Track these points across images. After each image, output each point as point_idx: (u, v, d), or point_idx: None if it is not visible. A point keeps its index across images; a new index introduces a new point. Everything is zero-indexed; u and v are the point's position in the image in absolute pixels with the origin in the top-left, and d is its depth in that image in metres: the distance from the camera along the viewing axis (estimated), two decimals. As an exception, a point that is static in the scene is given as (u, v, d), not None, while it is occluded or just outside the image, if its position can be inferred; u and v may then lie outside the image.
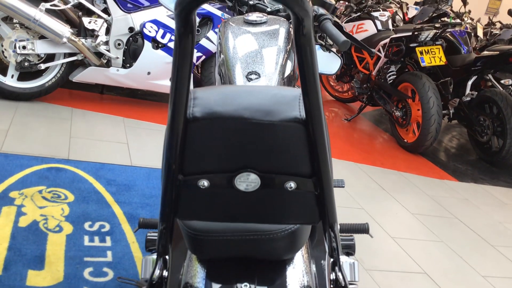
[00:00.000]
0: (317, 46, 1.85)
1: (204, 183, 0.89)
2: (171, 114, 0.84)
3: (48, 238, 2.18)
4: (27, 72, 3.62)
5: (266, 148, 0.86)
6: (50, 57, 3.69)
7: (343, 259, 1.08)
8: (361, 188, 3.48)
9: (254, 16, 1.76)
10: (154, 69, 3.91)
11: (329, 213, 0.94)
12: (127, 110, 3.99)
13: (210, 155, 0.87)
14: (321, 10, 1.76)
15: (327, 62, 1.85)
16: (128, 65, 3.87)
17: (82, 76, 3.77)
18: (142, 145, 3.39)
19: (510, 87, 4.57)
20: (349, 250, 1.09)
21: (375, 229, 2.93)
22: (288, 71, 1.74)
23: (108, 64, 3.83)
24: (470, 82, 4.63)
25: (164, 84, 3.99)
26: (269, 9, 1.95)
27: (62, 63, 3.70)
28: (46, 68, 3.67)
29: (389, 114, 4.76)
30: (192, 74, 0.83)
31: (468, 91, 4.63)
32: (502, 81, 4.56)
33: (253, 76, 1.59)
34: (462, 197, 3.77)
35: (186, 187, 0.90)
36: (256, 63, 1.62)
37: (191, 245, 1.02)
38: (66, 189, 2.61)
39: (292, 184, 0.89)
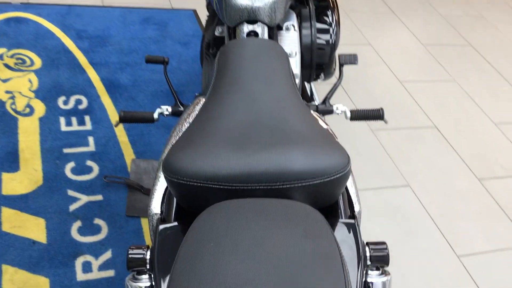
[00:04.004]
0: None
1: None
2: None
3: (18, 124, 1.93)
4: None
5: None
6: None
7: (373, 277, 0.87)
8: (368, 14, 3.08)
9: None
10: None
11: None
12: None
13: None
14: None
15: None
16: None
17: None
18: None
19: None
20: (381, 263, 0.87)
21: (383, 72, 2.66)
22: None
23: None
24: None
25: None
26: None
27: None
28: None
29: None
30: None
31: None
32: None
33: None
34: (478, 15, 3.39)
35: None
36: None
37: None
38: (31, 50, 2.26)
39: None
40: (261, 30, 1.23)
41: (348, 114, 1.52)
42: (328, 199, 0.88)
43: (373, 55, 2.76)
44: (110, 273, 1.53)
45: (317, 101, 1.78)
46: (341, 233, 0.89)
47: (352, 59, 1.68)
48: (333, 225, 0.90)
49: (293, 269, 0.67)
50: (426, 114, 2.47)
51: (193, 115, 1.14)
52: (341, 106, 1.56)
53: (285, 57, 1.07)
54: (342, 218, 0.94)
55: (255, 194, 0.84)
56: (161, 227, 0.91)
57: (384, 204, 1.97)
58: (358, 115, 1.54)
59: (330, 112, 1.57)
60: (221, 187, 0.82)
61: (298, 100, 0.98)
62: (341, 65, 1.68)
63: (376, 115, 1.55)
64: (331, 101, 2.33)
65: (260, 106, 0.93)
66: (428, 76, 2.72)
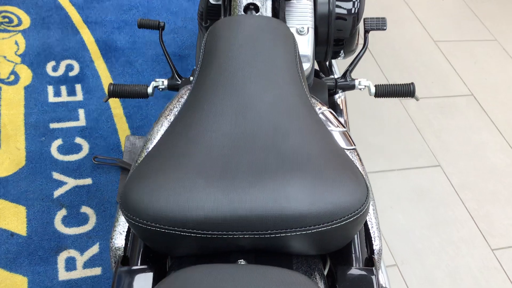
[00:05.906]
0: None
1: None
2: None
3: (1, 94, 1.73)
4: None
5: None
6: None
7: None
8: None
9: None
10: None
11: None
12: None
13: None
14: None
15: None
16: None
17: None
18: None
19: None
20: None
21: (415, 30, 2.36)
22: None
23: None
24: None
25: None
26: None
27: None
28: None
29: None
30: None
31: None
32: None
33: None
34: (525, -40, 3.00)
35: None
36: None
37: None
38: (19, 7, 2.03)
39: None
40: (263, 1, 0.97)
41: (372, 90, 1.29)
42: (337, 244, 0.67)
43: (404, 10, 2.46)
44: (97, 271, 1.36)
45: (337, 74, 1.53)
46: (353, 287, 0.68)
47: (379, 24, 1.42)
48: (343, 277, 0.69)
49: None
50: (462, 80, 2.18)
51: (175, 112, 0.91)
52: (364, 80, 1.33)
53: (291, 41, 0.82)
54: (356, 264, 0.72)
55: (239, 243, 0.63)
56: (122, 270, 0.71)
57: (410, 187, 1.74)
58: (384, 91, 1.31)
59: (352, 87, 1.34)
60: (192, 235, 0.62)
61: (304, 104, 0.74)
62: (366, 32, 1.42)
63: (405, 91, 1.31)
64: (353, 74, 2.07)
65: (252, 114, 0.70)
66: (465, 35, 2.41)
